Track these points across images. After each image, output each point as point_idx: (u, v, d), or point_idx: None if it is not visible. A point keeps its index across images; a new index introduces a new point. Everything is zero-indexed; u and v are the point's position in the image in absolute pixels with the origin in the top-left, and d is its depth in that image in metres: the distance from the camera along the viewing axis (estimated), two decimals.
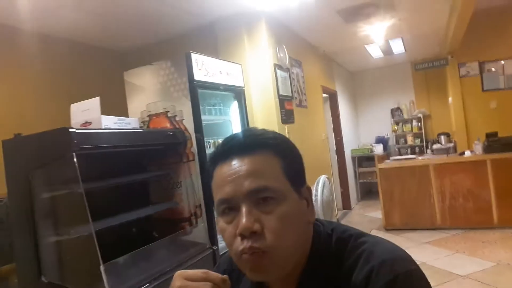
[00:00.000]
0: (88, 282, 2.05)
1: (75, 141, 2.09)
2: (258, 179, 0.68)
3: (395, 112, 8.57)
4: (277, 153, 0.72)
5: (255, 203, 0.68)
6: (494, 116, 6.63)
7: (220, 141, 2.91)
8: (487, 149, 5.09)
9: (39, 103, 3.75)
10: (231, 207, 0.70)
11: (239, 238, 0.68)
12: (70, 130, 2.12)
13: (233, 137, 0.77)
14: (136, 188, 2.93)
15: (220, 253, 2.91)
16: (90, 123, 2.63)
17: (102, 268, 1.98)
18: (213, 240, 2.93)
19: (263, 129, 0.79)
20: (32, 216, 2.20)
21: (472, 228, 5.01)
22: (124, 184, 2.65)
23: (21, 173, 2.26)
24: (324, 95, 6.56)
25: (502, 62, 6.72)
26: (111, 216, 2.32)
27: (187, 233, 2.94)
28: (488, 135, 5.24)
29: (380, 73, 8.73)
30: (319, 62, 6.27)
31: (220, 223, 0.73)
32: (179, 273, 0.73)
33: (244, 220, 0.67)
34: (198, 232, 2.94)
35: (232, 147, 0.73)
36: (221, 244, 2.99)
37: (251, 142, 0.73)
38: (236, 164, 0.71)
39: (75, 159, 2.06)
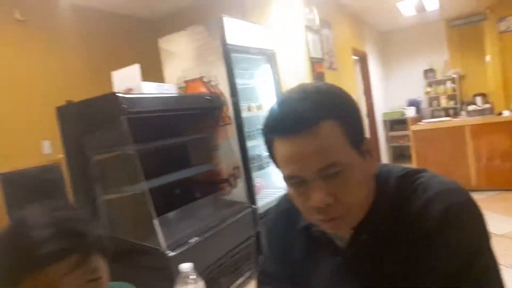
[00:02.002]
0: (142, 234, 2.22)
1: (124, 106, 2.21)
2: (325, 157, 0.66)
3: (428, 73, 8.27)
4: (340, 121, 0.67)
5: (324, 178, 0.67)
6: None
7: (254, 104, 2.95)
8: None
9: (83, 72, 3.89)
10: (300, 182, 0.69)
11: (313, 208, 0.70)
12: (118, 95, 2.23)
13: (291, 107, 0.69)
14: (176, 152, 3.07)
15: (259, 212, 3.04)
16: (131, 89, 2.74)
17: (156, 221, 2.15)
18: (252, 199, 3.05)
19: (316, 88, 0.71)
20: (87, 177, 2.38)
21: (508, 189, 4.92)
22: (165, 147, 2.79)
23: (74, 137, 2.42)
24: (354, 57, 6.42)
25: None
26: (155, 177, 2.47)
27: (227, 193, 3.08)
28: None
29: (412, 32, 8.38)
30: (349, 23, 6.10)
31: (291, 191, 0.73)
32: None
33: (316, 195, 0.67)
34: (238, 192, 3.07)
35: (292, 120, 0.67)
36: (261, 203, 3.12)
37: (312, 116, 0.66)
38: (299, 142, 0.66)
39: (125, 122, 2.19)
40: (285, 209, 0.94)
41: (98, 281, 0.72)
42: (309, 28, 4.34)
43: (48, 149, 3.42)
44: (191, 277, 0.98)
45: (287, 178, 0.72)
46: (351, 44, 6.15)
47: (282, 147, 0.69)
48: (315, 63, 4.40)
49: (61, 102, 2.53)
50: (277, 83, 3.76)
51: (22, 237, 0.68)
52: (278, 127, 0.70)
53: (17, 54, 3.39)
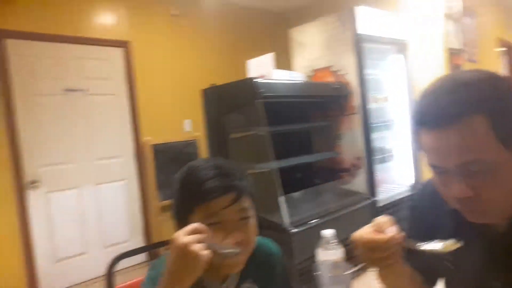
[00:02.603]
0: (268, 209, 2.40)
1: (260, 90, 2.40)
2: (466, 153, 0.65)
3: None
4: (490, 116, 0.64)
5: (465, 172, 0.66)
6: None
7: (380, 96, 2.87)
8: None
9: (222, 60, 4.31)
10: (442, 171, 0.70)
11: (453, 197, 0.71)
12: (255, 80, 2.44)
13: (437, 100, 0.68)
14: (301, 137, 3.19)
15: (379, 205, 2.98)
16: (264, 76, 2.94)
17: (281, 199, 2.30)
18: (372, 191, 3.01)
19: (468, 79, 0.67)
20: (224, 152, 2.66)
21: None
22: (292, 131, 2.93)
23: (215, 116, 2.73)
24: (500, 49, 5.63)
25: None
26: (282, 159, 2.62)
27: (347, 182, 3.09)
28: None
29: None
30: (497, 10, 5.37)
31: (435, 177, 0.75)
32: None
33: (456, 187, 0.68)
34: (358, 183, 3.05)
35: (436, 115, 0.67)
36: (381, 196, 3.05)
37: (456, 111, 0.64)
38: (442, 136, 0.66)
39: (260, 105, 2.38)
40: (431, 191, 0.95)
41: (248, 220, 0.86)
42: (449, 16, 3.98)
43: (188, 127, 3.91)
44: (332, 242, 1.05)
45: (430, 166, 0.72)
46: (497, 34, 5.42)
47: (426, 138, 0.70)
48: (453, 54, 4.03)
49: (203, 86, 2.87)
50: (408, 75, 3.57)
51: (194, 176, 0.86)
52: (422, 120, 0.70)
53: (170, 44, 3.93)
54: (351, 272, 0.93)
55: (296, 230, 2.28)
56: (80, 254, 3.28)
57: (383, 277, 0.90)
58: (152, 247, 1.36)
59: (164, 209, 3.65)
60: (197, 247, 0.68)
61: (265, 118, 2.42)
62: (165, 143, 3.63)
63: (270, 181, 2.34)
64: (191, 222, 0.83)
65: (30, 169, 3.02)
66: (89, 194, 3.34)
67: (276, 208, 2.33)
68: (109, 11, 3.54)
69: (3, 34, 2.90)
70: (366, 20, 3.13)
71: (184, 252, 0.68)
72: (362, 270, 0.92)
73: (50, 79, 3.14)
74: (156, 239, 3.50)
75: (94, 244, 3.36)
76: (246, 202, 0.86)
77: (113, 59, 3.51)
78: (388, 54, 3.58)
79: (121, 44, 3.53)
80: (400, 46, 3.58)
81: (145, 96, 3.65)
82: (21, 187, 2.96)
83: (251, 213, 0.88)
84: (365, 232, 0.76)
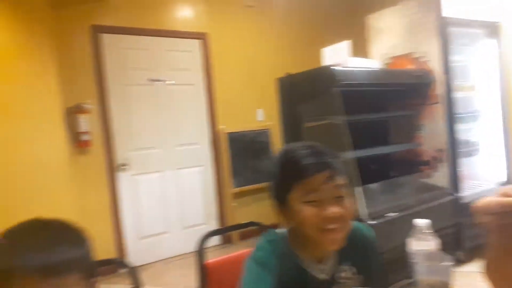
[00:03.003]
0: None
1: (337, 78, 2.36)
2: None
3: None
4: None
5: None
6: None
7: (466, 84, 2.64)
8: None
9: (296, 49, 4.31)
10: None
11: None
12: (333, 67, 2.40)
13: None
14: (378, 127, 3.08)
15: (463, 202, 2.78)
16: (339, 64, 2.88)
17: (359, 189, 2.26)
18: (455, 187, 2.81)
19: None
20: (298, 141, 2.67)
21: None
22: (370, 121, 2.84)
23: (290, 105, 2.75)
24: None
25: None
26: (359, 149, 2.56)
27: (427, 176, 2.93)
28: None
29: None
30: None
31: None
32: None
33: None
34: (440, 177, 2.87)
35: None
36: (465, 192, 2.84)
37: None
38: None
39: (337, 93, 2.35)
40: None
41: (342, 199, 0.87)
42: None
43: (261, 116, 3.99)
44: (426, 232, 1.02)
45: None
46: None
47: None
48: None
49: (278, 76, 2.89)
50: (501, 62, 3.25)
51: (291, 156, 0.91)
52: None
53: (245, 35, 4.02)
54: (451, 264, 0.90)
55: (373, 222, 2.22)
56: (162, 233, 3.55)
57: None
58: (239, 227, 1.43)
59: (237, 195, 3.79)
60: None
61: (341, 107, 2.38)
62: (239, 132, 3.75)
63: (347, 171, 2.30)
64: (290, 202, 0.88)
65: (120, 153, 3.33)
66: (171, 178, 3.58)
67: (353, 199, 2.29)
68: (188, 4, 3.72)
69: (100, 30, 3.20)
70: (452, 2, 2.90)
71: None
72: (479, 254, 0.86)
73: (138, 70, 3.41)
74: (229, 224, 3.65)
75: (174, 225, 3.61)
76: (341, 180, 0.88)
77: (192, 50, 3.70)
78: (478, 38, 3.29)
79: (199, 36, 3.70)
80: (492, 30, 3.27)
81: (221, 86, 3.79)
82: (112, 169, 3.28)
83: (347, 192, 0.89)
84: (492, 199, 0.72)
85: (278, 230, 0.98)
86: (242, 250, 1.37)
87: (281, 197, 0.90)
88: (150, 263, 3.43)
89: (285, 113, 2.80)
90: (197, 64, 3.72)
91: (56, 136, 2.73)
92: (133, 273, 1.17)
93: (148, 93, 3.47)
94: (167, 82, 3.54)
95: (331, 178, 0.85)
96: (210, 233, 1.39)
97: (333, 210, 0.84)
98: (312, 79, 2.60)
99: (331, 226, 0.84)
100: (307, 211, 0.85)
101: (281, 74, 2.80)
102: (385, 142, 3.05)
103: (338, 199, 0.87)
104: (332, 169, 0.86)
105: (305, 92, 2.66)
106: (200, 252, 1.30)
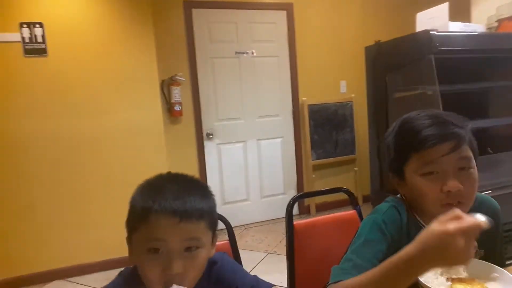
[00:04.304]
0: None
1: (435, 43, 2.19)
2: None
3: None
4: None
5: None
6: None
7: None
8: None
9: (385, 15, 4.06)
10: None
11: None
12: (431, 32, 2.23)
13: None
14: (476, 98, 2.81)
15: None
16: (435, 30, 2.66)
17: None
18: None
19: None
20: (386, 114, 2.57)
21: None
22: (465, 92, 2.61)
23: (378, 75, 2.64)
24: None
25: None
26: None
27: None
28: None
29: None
30: None
31: None
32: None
33: None
34: None
35: None
36: None
37: None
38: None
39: (432, 61, 2.19)
40: None
41: (468, 171, 0.81)
42: None
43: (343, 88, 3.89)
44: None
45: None
46: None
47: None
48: None
49: (364, 45, 2.77)
50: None
51: (410, 125, 0.87)
52: None
53: (330, 3, 3.86)
54: None
55: None
56: (242, 200, 3.74)
57: None
58: (328, 192, 1.46)
59: (316, 167, 3.80)
60: (467, 246, 0.57)
61: (435, 76, 2.21)
62: (320, 104, 3.71)
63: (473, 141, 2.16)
64: (407, 174, 0.85)
65: (206, 123, 3.54)
66: (252, 148, 3.72)
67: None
68: None
69: (191, 5, 3.37)
70: None
71: (449, 243, 0.56)
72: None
73: (224, 43, 3.53)
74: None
75: (254, 193, 3.77)
76: (467, 152, 0.81)
77: (277, 22, 3.70)
78: None
79: (285, 6, 3.68)
80: None
81: (304, 58, 3.76)
82: (200, 138, 3.50)
83: (472, 164, 0.82)
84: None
85: (398, 197, 0.94)
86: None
87: (397, 169, 0.87)
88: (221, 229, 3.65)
89: (372, 83, 2.70)
90: (281, 35, 3.72)
91: (154, 105, 2.99)
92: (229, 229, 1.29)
93: (233, 66, 3.59)
94: (251, 54, 3.62)
95: (454, 149, 0.79)
96: (300, 195, 1.44)
97: (453, 184, 0.79)
98: (405, 46, 2.45)
99: (451, 201, 0.79)
100: (425, 185, 0.81)
101: (368, 43, 2.69)
102: (483, 115, 2.77)
103: (461, 172, 0.80)
104: (457, 139, 0.80)
105: (395, 60, 2.52)
106: (290, 213, 1.36)
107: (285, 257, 1.34)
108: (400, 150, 0.87)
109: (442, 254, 0.57)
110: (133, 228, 0.73)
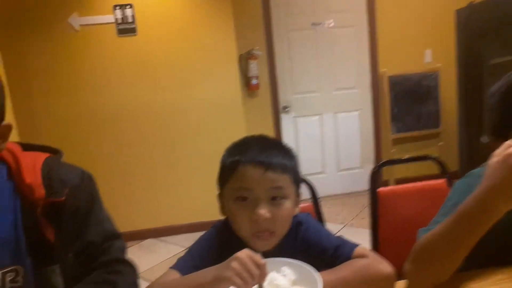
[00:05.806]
0: None
1: None
2: None
3: None
4: None
5: None
6: None
7: None
8: None
9: None
10: None
11: None
12: None
13: None
14: None
15: None
16: None
17: None
18: None
19: None
20: (480, 83, 2.37)
21: None
22: None
23: (471, 40, 2.43)
24: None
25: None
26: None
27: None
28: None
29: None
30: None
31: None
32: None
33: None
34: None
35: None
36: None
37: None
38: None
39: None
40: None
41: None
42: None
43: (429, 57, 3.63)
44: None
45: None
46: None
47: None
48: None
49: (455, 8, 2.55)
50: None
51: None
52: None
53: None
54: None
55: None
56: (318, 173, 3.76)
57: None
58: (414, 159, 1.43)
59: (396, 141, 3.65)
60: None
61: None
62: (402, 75, 3.52)
63: None
64: None
65: (283, 96, 3.58)
66: (329, 121, 3.69)
67: None
68: None
69: None
70: None
71: None
72: None
73: (300, 15, 3.50)
74: (386, 170, 3.59)
75: (330, 166, 3.77)
76: None
77: None
78: None
79: None
80: None
81: (384, 27, 3.57)
82: (276, 111, 3.57)
83: None
84: None
85: None
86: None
87: (502, 134, 0.81)
88: (304, 199, 3.72)
89: (463, 50, 2.50)
90: (360, 5, 3.56)
91: (232, 79, 3.11)
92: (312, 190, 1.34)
93: (309, 38, 3.55)
94: (328, 25, 3.54)
95: None
96: (386, 162, 1.43)
97: None
98: (503, 6, 2.21)
99: None
100: None
101: (460, 5, 2.47)
102: None
103: None
104: None
105: (491, 23, 2.29)
106: (374, 178, 1.36)
107: (363, 229, 1.36)
108: (507, 113, 0.81)
109: None
110: (224, 181, 0.82)
